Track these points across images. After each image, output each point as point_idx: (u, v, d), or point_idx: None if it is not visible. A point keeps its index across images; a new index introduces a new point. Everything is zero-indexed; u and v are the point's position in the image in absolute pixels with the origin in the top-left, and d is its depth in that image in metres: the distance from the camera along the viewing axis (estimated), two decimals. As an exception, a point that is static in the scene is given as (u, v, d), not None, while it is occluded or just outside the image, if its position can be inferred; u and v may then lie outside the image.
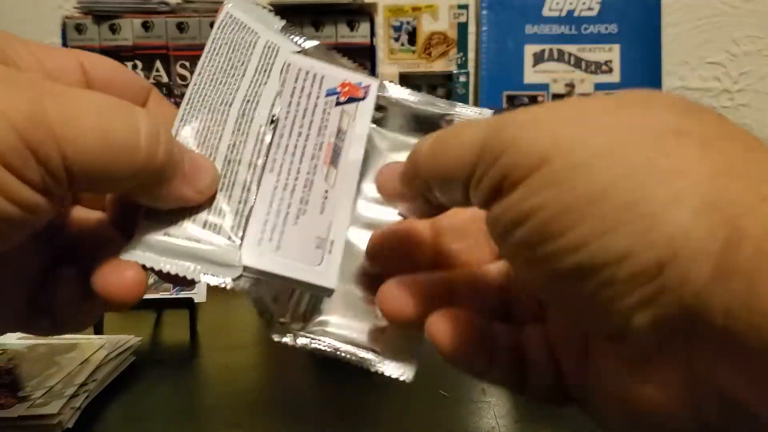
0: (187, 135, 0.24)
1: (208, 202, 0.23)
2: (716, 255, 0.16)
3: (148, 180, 0.21)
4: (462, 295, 0.25)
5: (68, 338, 0.44)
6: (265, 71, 0.26)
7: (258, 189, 0.23)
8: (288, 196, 0.24)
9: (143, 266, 0.22)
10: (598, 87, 0.87)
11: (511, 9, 0.87)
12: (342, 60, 0.28)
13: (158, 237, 0.22)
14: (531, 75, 0.87)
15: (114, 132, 0.19)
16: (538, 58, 0.87)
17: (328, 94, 0.26)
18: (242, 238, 0.23)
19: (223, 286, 0.22)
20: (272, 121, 0.25)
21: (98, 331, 0.49)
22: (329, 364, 0.42)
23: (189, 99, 0.24)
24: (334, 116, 0.26)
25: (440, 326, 0.23)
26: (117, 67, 0.25)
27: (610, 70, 0.87)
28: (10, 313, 0.24)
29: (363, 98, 0.26)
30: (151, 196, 0.22)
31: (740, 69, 0.91)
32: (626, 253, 0.17)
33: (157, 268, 0.22)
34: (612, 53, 0.87)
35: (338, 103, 0.26)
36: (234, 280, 0.22)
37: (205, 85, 0.25)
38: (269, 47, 0.27)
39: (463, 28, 0.86)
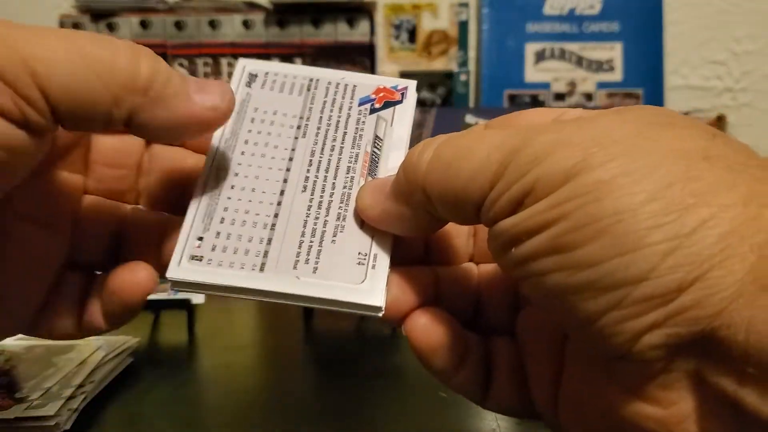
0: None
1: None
2: (742, 276, 0.16)
3: (141, 101, 0.19)
4: (444, 294, 0.25)
5: (42, 342, 0.44)
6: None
7: (290, 210, 0.23)
8: (324, 214, 0.23)
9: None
10: (600, 86, 0.87)
11: (512, 7, 0.87)
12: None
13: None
14: (532, 73, 0.87)
15: (90, 50, 0.18)
16: (540, 57, 0.87)
17: (362, 103, 0.25)
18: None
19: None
20: (296, 138, 0.24)
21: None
22: (329, 365, 0.42)
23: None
24: (369, 124, 0.25)
25: (419, 324, 0.23)
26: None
27: (612, 69, 0.86)
28: (22, 311, 0.24)
29: (400, 101, 0.26)
30: (152, 121, 0.20)
31: (742, 68, 0.91)
32: (645, 275, 0.16)
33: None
34: (614, 52, 0.86)
35: (373, 110, 0.25)
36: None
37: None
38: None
39: (463, 26, 0.86)
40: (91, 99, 0.19)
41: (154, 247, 0.24)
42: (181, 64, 0.77)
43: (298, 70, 0.26)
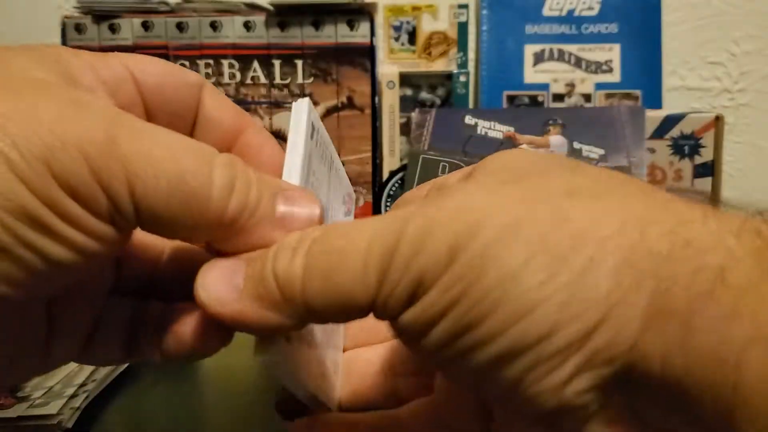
0: None
1: None
2: (645, 306, 0.16)
3: (223, 231, 0.20)
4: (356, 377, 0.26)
5: None
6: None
7: None
8: None
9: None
10: (599, 87, 0.87)
11: (512, 9, 0.87)
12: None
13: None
14: (531, 75, 0.87)
15: (185, 177, 0.18)
16: (539, 58, 0.87)
17: None
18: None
19: None
20: None
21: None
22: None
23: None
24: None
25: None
26: (165, 71, 0.24)
27: (611, 70, 0.87)
28: (71, 339, 0.23)
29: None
30: (230, 248, 0.20)
31: (741, 69, 0.91)
32: (548, 332, 0.16)
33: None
34: (612, 53, 0.86)
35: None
36: None
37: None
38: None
39: (463, 27, 0.86)
40: (176, 225, 0.19)
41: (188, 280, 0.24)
42: (182, 65, 0.78)
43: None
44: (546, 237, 0.17)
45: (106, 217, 0.18)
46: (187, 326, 0.22)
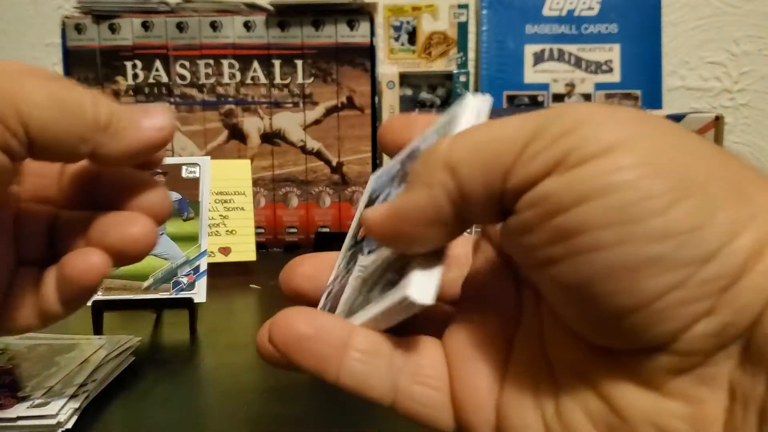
0: None
1: None
2: None
3: (101, 137, 0.23)
4: None
5: (68, 338, 0.44)
6: None
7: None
8: None
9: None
10: (599, 87, 0.87)
11: (511, 8, 0.87)
12: None
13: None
14: (531, 75, 0.87)
15: (63, 96, 0.22)
16: (539, 58, 0.87)
17: None
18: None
19: None
20: None
21: (98, 331, 0.49)
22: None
23: None
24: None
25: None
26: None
27: (611, 70, 0.87)
28: None
29: None
30: (112, 152, 0.24)
31: (740, 69, 0.91)
32: (713, 254, 0.15)
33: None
34: (612, 53, 0.87)
35: None
36: None
37: None
38: None
39: (463, 27, 0.86)
40: (63, 137, 0.23)
41: (83, 242, 0.26)
42: (182, 66, 0.78)
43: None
44: (736, 172, 0.16)
45: (2, 144, 0.21)
46: (76, 263, 0.25)
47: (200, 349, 0.49)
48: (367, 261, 0.23)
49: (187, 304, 0.50)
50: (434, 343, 0.22)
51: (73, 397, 0.37)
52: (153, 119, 0.25)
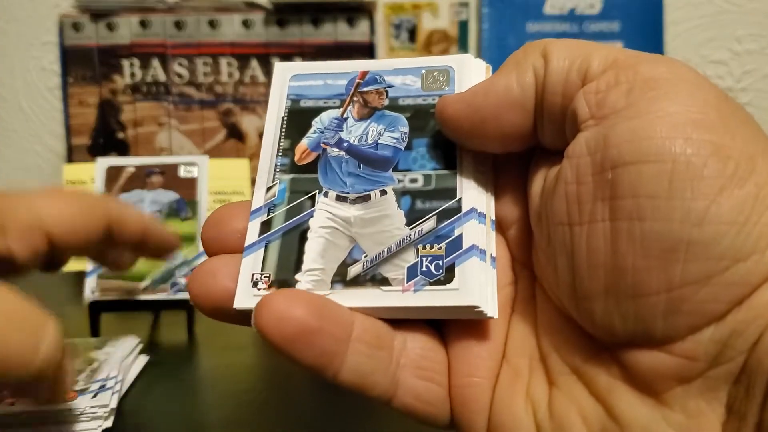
0: None
1: None
2: None
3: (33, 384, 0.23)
4: None
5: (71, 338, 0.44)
6: None
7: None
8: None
9: None
10: (600, 85, 0.87)
11: (513, 6, 0.87)
12: None
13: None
14: (532, 73, 0.87)
15: (10, 347, 0.22)
16: (540, 57, 0.87)
17: None
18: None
19: None
20: None
21: (95, 332, 0.48)
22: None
23: None
24: None
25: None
26: (74, 214, 0.30)
27: (612, 69, 0.86)
28: None
29: None
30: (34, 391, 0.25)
31: (743, 67, 0.91)
32: (748, 254, 0.15)
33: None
34: (614, 51, 0.86)
35: None
36: None
37: None
38: None
39: (463, 25, 0.86)
40: None
41: None
42: (180, 64, 0.77)
43: None
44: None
45: None
46: None
47: (198, 350, 0.49)
48: (349, 213, 0.21)
49: (185, 305, 0.50)
50: (432, 332, 0.20)
51: (115, 392, 0.38)
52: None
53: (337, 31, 0.75)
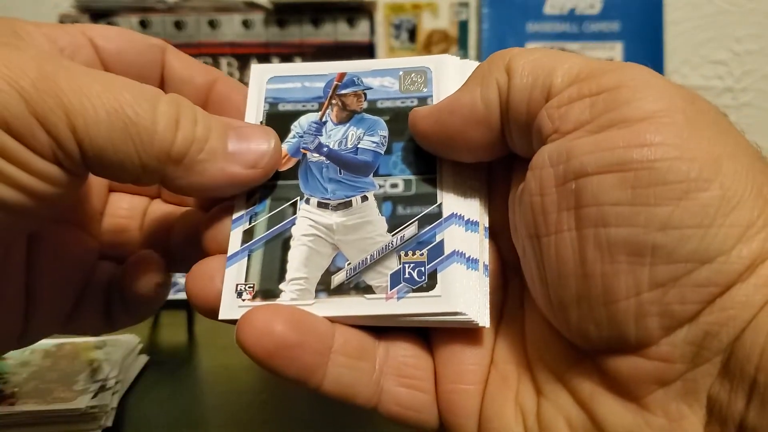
0: None
1: None
2: None
3: (173, 170, 0.19)
4: None
5: (72, 338, 0.44)
6: None
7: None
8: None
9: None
10: (600, 85, 0.86)
11: (513, 7, 0.86)
12: None
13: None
14: (532, 73, 0.87)
15: (125, 109, 0.18)
16: (540, 57, 0.87)
17: None
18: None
19: None
20: None
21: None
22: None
23: None
24: None
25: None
26: (126, 37, 0.23)
27: (612, 69, 0.86)
28: (57, 311, 0.24)
29: None
30: (184, 187, 0.20)
31: (743, 67, 0.91)
32: (714, 256, 0.15)
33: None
34: (614, 51, 0.86)
35: None
36: None
37: None
38: None
39: (463, 25, 0.86)
40: (123, 163, 0.18)
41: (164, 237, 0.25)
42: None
43: None
44: (748, 175, 0.16)
45: (49, 155, 0.17)
46: (139, 276, 0.24)
47: (198, 350, 0.49)
48: (331, 220, 0.21)
49: (185, 305, 0.50)
50: (416, 340, 0.20)
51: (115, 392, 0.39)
52: (246, 150, 0.20)
53: (337, 31, 0.75)
